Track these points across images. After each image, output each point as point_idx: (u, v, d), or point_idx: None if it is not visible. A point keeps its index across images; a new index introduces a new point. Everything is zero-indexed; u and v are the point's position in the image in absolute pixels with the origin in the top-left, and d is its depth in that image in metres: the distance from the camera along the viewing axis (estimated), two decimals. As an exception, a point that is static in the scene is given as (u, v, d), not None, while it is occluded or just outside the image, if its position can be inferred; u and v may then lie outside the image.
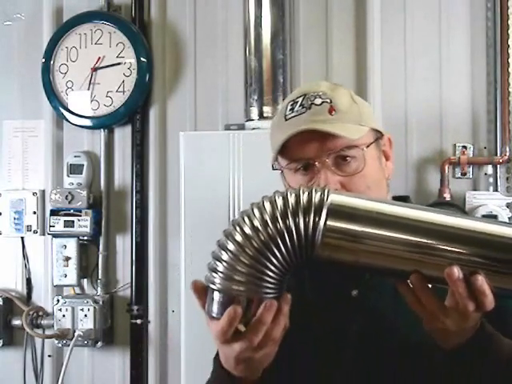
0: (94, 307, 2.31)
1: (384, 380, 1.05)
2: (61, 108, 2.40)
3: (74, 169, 2.40)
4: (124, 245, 2.42)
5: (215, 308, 0.87)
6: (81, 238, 2.36)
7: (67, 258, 2.33)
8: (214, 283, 0.86)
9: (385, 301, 1.07)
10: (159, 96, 2.40)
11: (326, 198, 0.84)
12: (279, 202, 0.85)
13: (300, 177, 1.08)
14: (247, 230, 0.84)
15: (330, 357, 1.07)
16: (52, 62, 2.40)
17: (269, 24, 2.19)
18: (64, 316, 2.32)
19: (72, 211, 2.33)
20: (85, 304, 2.32)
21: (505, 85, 2.20)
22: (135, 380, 2.37)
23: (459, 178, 2.24)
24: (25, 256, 2.46)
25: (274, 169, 1.70)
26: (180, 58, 2.42)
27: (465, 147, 2.24)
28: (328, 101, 1.07)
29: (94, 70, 2.38)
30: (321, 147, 1.05)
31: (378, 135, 1.11)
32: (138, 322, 2.36)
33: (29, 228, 2.43)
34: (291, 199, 0.84)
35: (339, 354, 1.07)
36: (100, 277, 2.39)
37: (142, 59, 2.35)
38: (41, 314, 2.40)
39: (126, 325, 2.39)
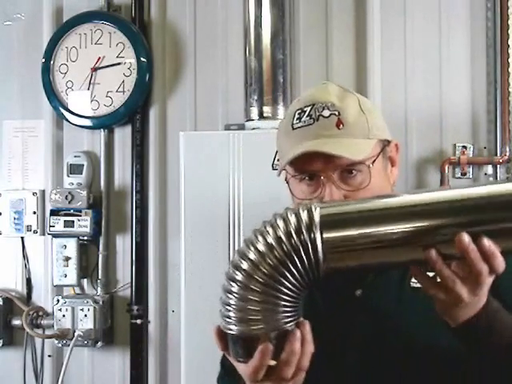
0: (94, 307, 2.31)
1: (388, 380, 1.05)
2: (61, 108, 2.40)
3: (74, 169, 2.40)
4: (124, 245, 2.42)
5: (240, 351, 0.86)
6: (81, 237, 2.36)
7: (67, 258, 2.33)
8: (231, 330, 0.85)
9: (389, 300, 1.07)
10: (159, 96, 2.40)
11: (314, 213, 0.84)
12: (270, 230, 0.84)
13: (305, 187, 1.08)
14: (247, 267, 0.83)
15: (334, 357, 1.07)
16: (52, 62, 2.40)
17: (269, 24, 2.19)
18: (64, 316, 2.32)
19: (72, 211, 2.33)
20: (85, 304, 2.32)
21: (505, 85, 2.20)
22: (135, 380, 2.37)
23: (459, 178, 2.24)
24: (25, 256, 2.46)
25: (274, 169, 1.70)
26: (180, 58, 2.42)
27: (465, 147, 2.24)
28: (336, 113, 1.06)
29: (94, 69, 2.38)
30: (327, 163, 1.04)
31: (385, 143, 1.11)
32: (138, 322, 2.36)
33: (29, 228, 2.43)
34: (281, 224, 0.84)
35: (344, 354, 1.07)
36: (100, 277, 2.39)
37: (142, 59, 2.35)
38: (41, 314, 2.40)
39: (126, 325, 2.39)
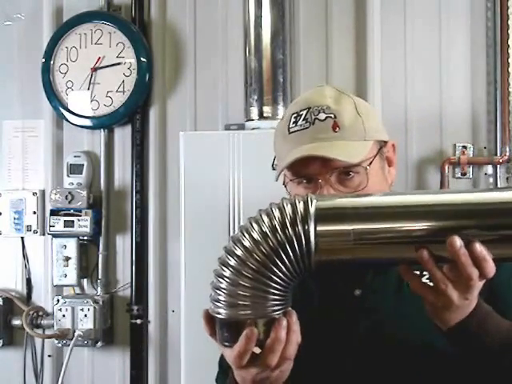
0: (94, 307, 2.31)
1: (385, 380, 1.05)
2: (61, 108, 2.40)
3: (74, 169, 2.40)
4: (124, 245, 2.42)
5: (226, 336, 0.87)
6: (81, 237, 2.37)
7: (67, 258, 2.33)
8: (219, 313, 0.86)
9: (387, 301, 1.08)
10: (159, 96, 2.40)
11: (310, 205, 0.84)
12: (265, 219, 0.84)
13: (302, 189, 1.08)
14: (241, 253, 0.84)
15: (332, 356, 1.08)
16: (52, 62, 2.40)
17: (269, 24, 2.19)
18: (64, 316, 2.32)
19: (72, 211, 2.33)
20: (85, 304, 2.32)
21: (505, 85, 2.20)
22: (135, 380, 2.37)
23: (459, 178, 2.24)
24: (25, 256, 2.46)
25: (274, 169, 1.70)
26: (180, 58, 2.42)
27: (465, 147, 2.24)
28: (332, 116, 1.06)
29: (94, 69, 2.38)
30: (324, 166, 1.05)
31: (382, 144, 1.11)
32: (138, 322, 2.36)
33: (29, 228, 2.43)
34: (276, 214, 0.84)
35: (341, 354, 1.07)
36: (100, 277, 2.39)
37: (142, 59, 2.35)
38: (41, 314, 2.40)
39: (126, 325, 2.39)
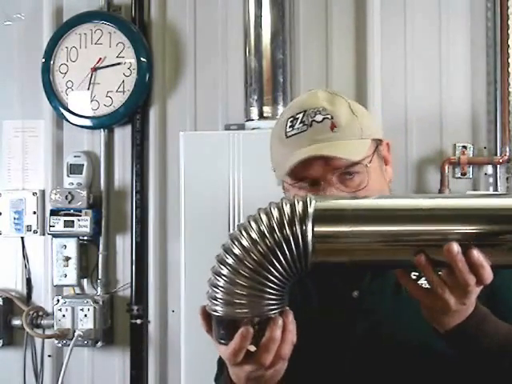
0: (94, 307, 2.31)
1: (383, 381, 1.05)
2: (61, 108, 2.40)
3: (74, 169, 2.40)
4: (124, 245, 2.42)
5: (222, 334, 0.88)
6: (81, 238, 2.37)
7: (67, 258, 2.33)
8: (216, 311, 0.86)
9: (385, 303, 1.08)
10: (159, 96, 2.40)
11: (308, 206, 0.84)
12: (264, 218, 0.85)
13: (304, 192, 1.07)
14: (238, 252, 0.84)
15: (329, 357, 1.08)
16: (52, 62, 2.40)
17: (269, 24, 2.19)
18: (64, 316, 2.32)
19: (72, 211, 2.33)
20: (85, 304, 2.32)
21: (505, 85, 2.20)
22: (135, 380, 2.37)
23: (459, 178, 2.24)
24: (25, 256, 2.46)
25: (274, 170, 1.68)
26: (180, 58, 2.42)
27: (465, 147, 2.24)
28: (329, 117, 1.07)
29: (94, 69, 2.38)
30: (325, 167, 1.05)
31: (378, 142, 1.12)
32: (138, 322, 2.36)
33: (29, 228, 2.43)
34: (275, 213, 0.84)
35: (339, 355, 1.07)
36: (100, 277, 2.39)
37: (142, 59, 2.35)
38: (41, 314, 2.40)
39: (126, 325, 2.39)
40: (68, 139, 2.46)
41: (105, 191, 2.41)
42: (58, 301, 2.34)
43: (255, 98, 2.19)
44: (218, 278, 0.86)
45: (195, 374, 2.06)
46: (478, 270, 0.83)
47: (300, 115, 1.08)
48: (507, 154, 2.20)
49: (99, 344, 2.33)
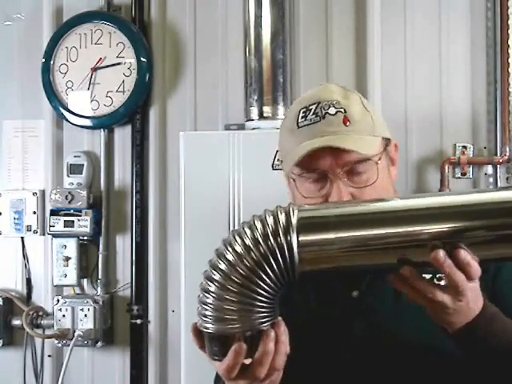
0: (94, 307, 2.31)
1: (384, 381, 1.05)
2: (61, 108, 2.40)
3: (74, 169, 2.40)
4: (124, 245, 2.42)
5: (215, 350, 0.88)
6: (81, 238, 2.36)
7: (67, 258, 2.33)
8: (207, 328, 0.86)
9: (385, 302, 1.07)
10: (159, 96, 2.40)
11: (292, 216, 0.84)
12: (248, 231, 0.85)
13: (311, 185, 1.07)
14: (224, 267, 0.84)
15: (329, 357, 1.07)
16: (52, 62, 2.40)
17: (269, 24, 2.19)
18: (64, 316, 2.32)
19: (72, 211, 2.33)
20: (85, 304, 2.32)
21: (505, 85, 2.20)
22: (135, 380, 2.37)
23: (459, 177, 2.24)
24: (25, 256, 2.46)
25: (274, 169, 1.70)
26: (180, 58, 2.42)
27: (465, 147, 2.24)
28: (342, 110, 1.06)
29: (94, 69, 2.38)
30: (335, 160, 1.04)
31: (387, 142, 1.12)
32: (138, 322, 2.36)
33: (29, 228, 2.43)
34: (259, 226, 0.84)
35: (338, 355, 1.07)
36: (100, 277, 2.39)
37: (142, 59, 2.35)
38: (41, 314, 2.40)
39: (126, 325, 2.39)
40: (68, 139, 2.46)
41: (105, 191, 2.41)
42: (58, 301, 2.34)
43: (255, 98, 2.19)
44: (206, 295, 0.85)
45: (195, 374, 2.06)
46: (465, 268, 0.84)
47: (313, 106, 1.07)
48: (507, 153, 2.20)
49: (99, 344, 2.33)
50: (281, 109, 2.17)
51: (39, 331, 2.39)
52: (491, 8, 2.24)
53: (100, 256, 2.39)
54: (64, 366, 2.26)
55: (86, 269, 2.41)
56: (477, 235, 0.83)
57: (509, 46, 2.19)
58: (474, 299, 0.89)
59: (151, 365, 2.37)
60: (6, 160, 2.50)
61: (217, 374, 1.17)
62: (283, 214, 0.85)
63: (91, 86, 2.38)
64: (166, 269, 2.38)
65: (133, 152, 2.39)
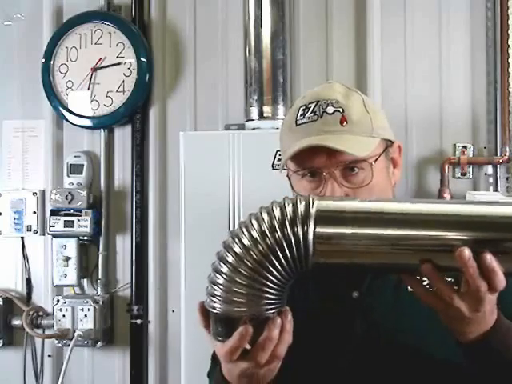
0: (94, 307, 2.31)
1: (383, 381, 1.05)
2: (61, 108, 2.40)
3: (74, 169, 2.40)
4: (124, 245, 2.42)
5: (220, 331, 0.88)
6: (81, 237, 2.36)
7: (67, 258, 2.33)
8: (214, 308, 0.86)
9: (385, 303, 1.07)
10: (159, 96, 2.40)
11: (311, 206, 0.84)
12: (265, 217, 0.84)
13: (306, 183, 1.08)
14: (239, 250, 0.84)
15: (328, 357, 1.07)
16: (52, 62, 2.40)
17: (269, 24, 2.19)
18: (64, 316, 2.32)
19: (72, 211, 2.33)
20: (85, 304, 2.32)
21: (505, 85, 2.20)
22: (135, 380, 2.37)
23: (459, 178, 2.24)
24: (25, 256, 2.46)
25: (274, 169, 1.70)
26: (180, 58, 2.42)
27: (465, 147, 2.24)
28: (340, 110, 1.07)
29: (94, 69, 2.38)
30: (330, 159, 1.05)
31: (388, 143, 1.12)
32: (138, 322, 2.36)
33: (29, 228, 2.43)
34: (277, 213, 0.84)
35: (338, 355, 1.07)
36: (100, 277, 2.39)
37: (142, 59, 2.35)
38: (41, 314, 2.40)
39: (126, 325, 2.39)
40: (68, 139, 2.46)
41: (105, 191, 2.41)
42: (58, 301, 2.34)
43: (255, 98, 2.19)
44: (217, 275, 0.86)
45: (195, 374, 2.06)
46: (490, 275, 0.81)
47: (312, 105, 1.08)
48: (507, 153, 2.20)
49: (99, 344, 2.33)
50: (281, 109, 2.17)
51: (39, 331, 2.39)
52: (491, 8, 2.24)
53: (100, 256, 2.39)
54: (64, 366, 2.26)
55: (85, 269, 2.41)
56: (505, 247, 0.81)
57: (509, 45, 2.19)
58: (490, 310, 0.88)
59: (151, 365, 2.37)
60: (5, 160, 2.50)
61: (210, 366, 1.16)
62: (303, 203, 0.84)
63: (91, 85, 2.38)
64: (166, 269, 2.38)
65: (133, 152, 2.39)
